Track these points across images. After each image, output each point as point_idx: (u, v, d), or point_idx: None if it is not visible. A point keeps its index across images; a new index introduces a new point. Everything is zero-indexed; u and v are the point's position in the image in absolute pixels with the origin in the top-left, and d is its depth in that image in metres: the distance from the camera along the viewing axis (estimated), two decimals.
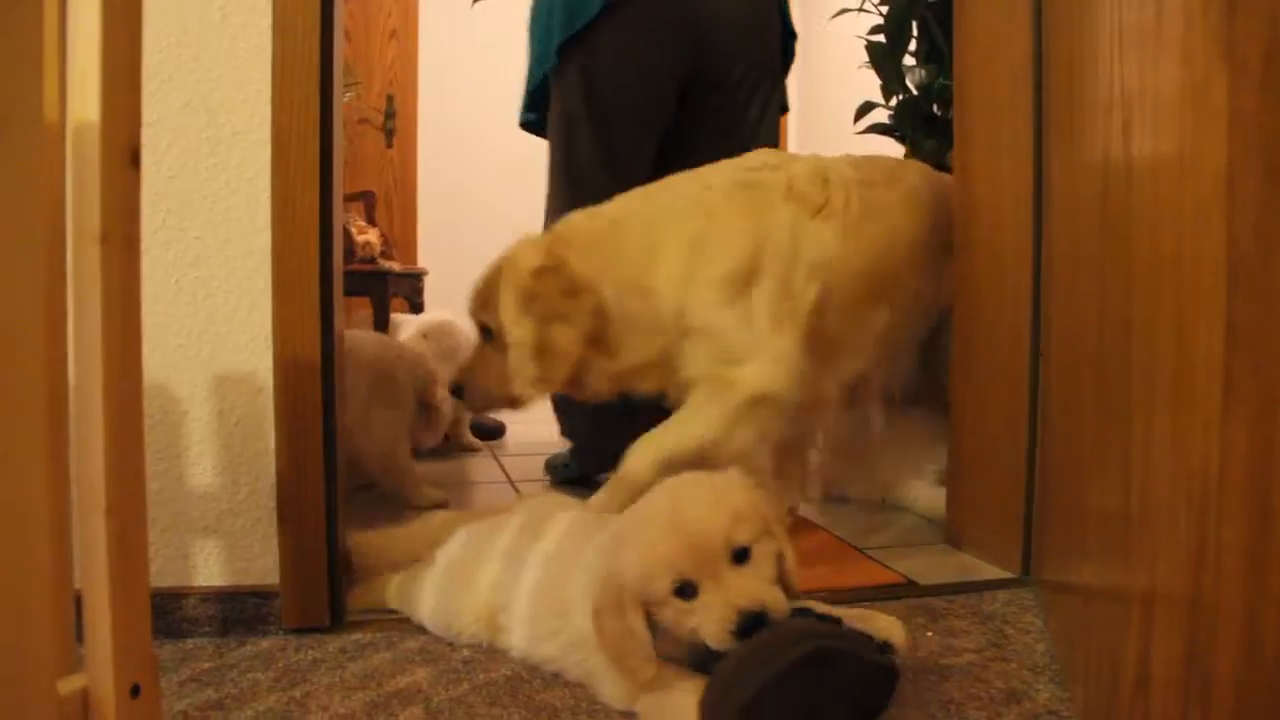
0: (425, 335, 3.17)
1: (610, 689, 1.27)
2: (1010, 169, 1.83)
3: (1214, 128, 0.66)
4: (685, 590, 1.14)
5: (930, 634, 1.54)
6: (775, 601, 1.14)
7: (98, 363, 0.73)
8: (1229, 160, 0.64)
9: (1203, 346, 0.68)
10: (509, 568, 1.44)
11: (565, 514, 1.54)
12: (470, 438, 3.27)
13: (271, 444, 1.50)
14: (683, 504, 1.21)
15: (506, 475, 2.86)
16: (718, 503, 1.18)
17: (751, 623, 1.12)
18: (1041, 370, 1.75)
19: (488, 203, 4.07)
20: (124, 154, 0.73)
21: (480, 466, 3.03)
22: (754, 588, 1.14)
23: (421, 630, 1.52)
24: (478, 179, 4.16)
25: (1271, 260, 0.64)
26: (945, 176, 2.30)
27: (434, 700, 1.29)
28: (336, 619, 1.55)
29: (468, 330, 3.09)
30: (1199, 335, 0.69)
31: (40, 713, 0.71)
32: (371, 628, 1.55)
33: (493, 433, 3.44)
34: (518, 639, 1.40)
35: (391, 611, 1.59)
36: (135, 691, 0.78)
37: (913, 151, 3.58)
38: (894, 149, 3.82)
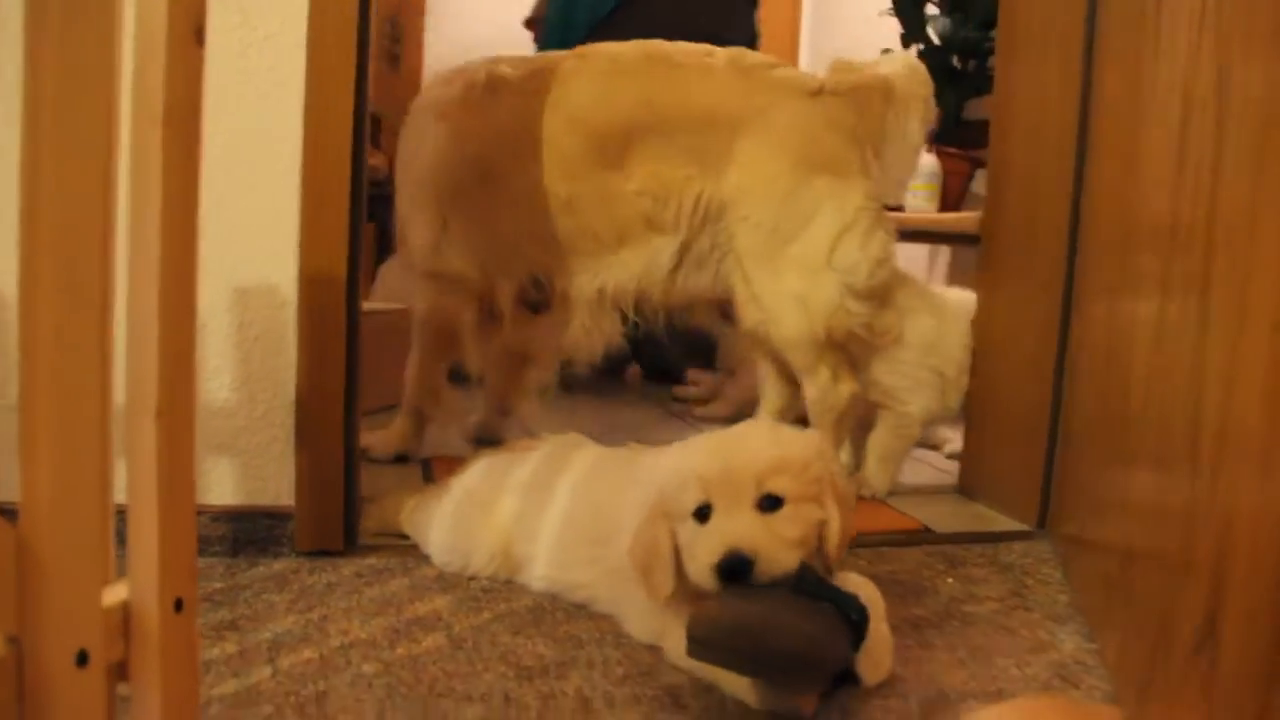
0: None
1: (636, 622, 1.25)
2: (1058, 94, 1.79)
3: None
4: (702, 512, 1.12)
5: (951, 580, 1.53)
6: (772, 555, 1.09)
7: (155, 255, 0.69)
8: None
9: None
10: (533, 499, 1.41)
11: (593, 447, 1.51)
12: None
13: (292, 360, 1.45)
14: (735, 435, 1.19)
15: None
16: (767, 445, 1.15)
17: (735, 563, 1.07)
18: (1072, 322, 1.73)
19: None
20: (189, 29, 0.68)
21: None
22: (758, 534, 1.10)
23: None
24: None
25: None
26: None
27: (456, 628, 1.26)
28: (350, 543, 1.52)
29: None
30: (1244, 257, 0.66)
31: (84, 625, 0.67)
32: (386, 553, 1.52)
33: None
34: (542, 568, 1.38)
35: (404, 536, 1.56)
36: (179, 606, 0.75)
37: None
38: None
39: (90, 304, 0.64)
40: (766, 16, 5.66)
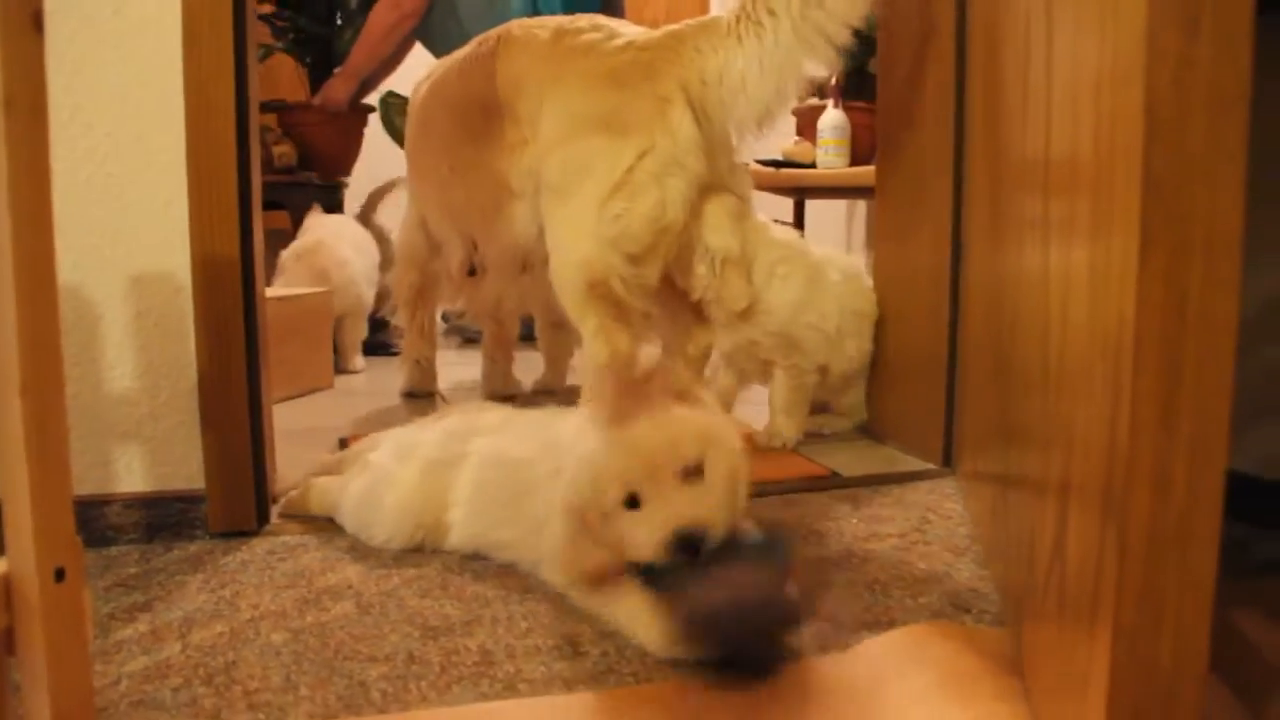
0: (298, 258, 3.12)
1: (550, 569, 1.29)
2: (933, 66, 1.84)
3: None
4: (633, 502, 1.14)
5: (855, 520, 1.58)
6: (715, 523, 1.13)
7: (7, 237, 0.71)
8: (1148, 14, 0.65)
9: (1120, 200, 0.69)
10: (444, 467, 1.44)
11: (500, 410, 1.54)
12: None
13: (192, 345, 1.46)
14: (639, 420, 1.19)
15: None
16: (671, 420, 1.18)
17: (685, 540, 1.11)
18: (961, 266, 1.78)
19: None
20: (26, 16, 0.69)
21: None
22: (694, 507, 1.13)
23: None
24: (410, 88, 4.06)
25: (1189, 116, 0.65)
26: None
27: (365, 594, 1.29)
28: (263, 522, 1.54)
29: (340, 249, 3.11)
30: (1116, 188, 0.70)
31: None
32: (299, 529, 1.54)
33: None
34: (461, 531, 1.41)
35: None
36: (59, 575, 0.77)
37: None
38: None
39: None
40: None
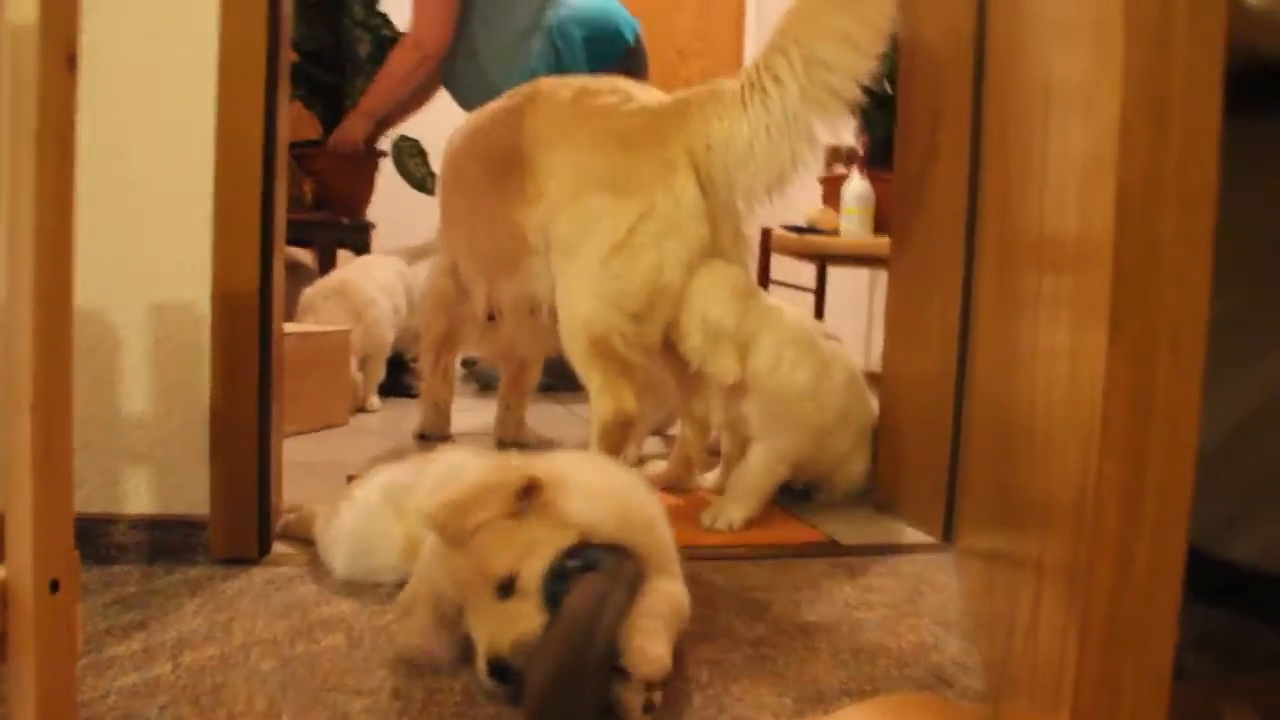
0: (326, 296, 3.15)
1: None
2: (950, 141, 1.87)
3: (1110, 77, 0.70)
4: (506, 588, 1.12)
5: (848, 588, 1.59)
6: (526, 634, 1.09)
7: (28, 261, 0.74)
8: (1122, 106, 0.68)
9: (1094, 285, 0.72)
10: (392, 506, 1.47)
11: (488, 456, 1.56)
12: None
13: (207, 374, 1.50)
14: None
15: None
16: (489, 536, 1.14)
17: (500, 669, 1.09)
18: (969, 340, 1.80)
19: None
20: (61, 56, 0.74)
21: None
22: (503, 629, 1.10)
23: None
24: (425, 132, 4.13)
25: (1158, 207, 0.67)
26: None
27: (356, 628, 1.31)
28: (264, 551, 1.57)
29: (367, 289, 3.16)
30: (1092, 273, 0.73)
31: None
32: (298, 561, 1.57)
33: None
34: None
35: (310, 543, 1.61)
36: (54, 587, 0.80)
37: (864, 127, 3.62)
38: (847, 124, 3.85)
39: None
40: (710, 31, 5.74)
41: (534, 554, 1.12)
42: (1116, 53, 0.69)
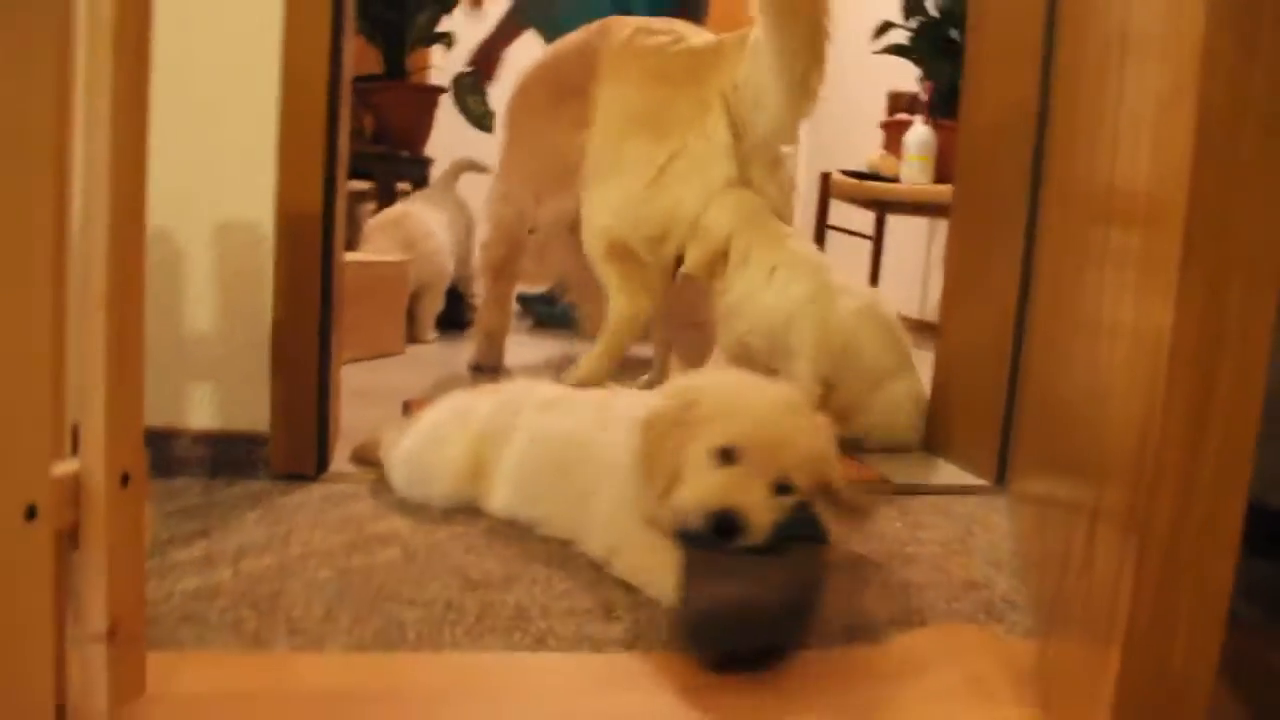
0: (381, 229, 3.18)
1: (592, 538, 1.32)
2: (1017, 92, 1.83)
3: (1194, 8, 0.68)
4: (726, 455, 1.19)
5: (899, 525, 1.59)
6: (760, 530, 1.17)
7: (104, 162, 0.76)
8: (1206, 32, 0.66)
9: (1168, 212, 0.70)
10: (494, 433, 1.48)
11: (554, 386, 1.58)
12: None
13: (269, 294, 1.53)
14: (779, 406, 1.26)
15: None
16: (805, 434, 1.25)
17: (729, 524, 1.16)
18: (1031, 284, 1.78)
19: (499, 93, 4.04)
20: None
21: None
22: (761, 509, 1.18)
23: None
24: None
25: (1240, 130, 0.66)
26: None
27: (411, 544, 1.34)
28: (322, 469, 1.60)
29: (426, 221, 3.18)
30: (1165, 203, 0.71)
31: (35, 493, 0.74)
32: (355, 480, 1.60)
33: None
34: (504, 496, 1.45)
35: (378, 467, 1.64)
36: (125, 480, 0.82)
37: (928, 74, 3.58)
38: (909, 70, 3.82)
39: (42, 207, 0.71)
40: None
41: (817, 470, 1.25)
42: None
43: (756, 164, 2.09)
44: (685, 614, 1.09)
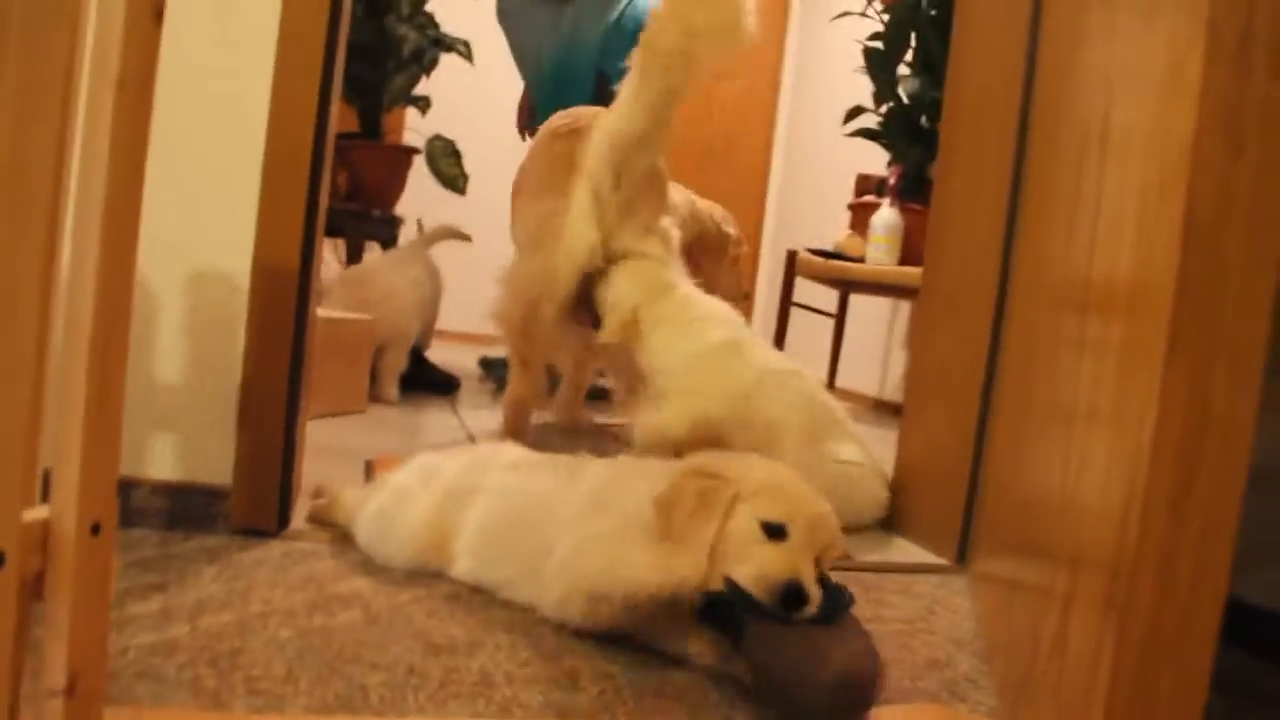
0: (345, 285, 3.18)
1: (555, 598, 1.30)
2: (990, 183, 1.87)
3: (1185, 101, 0.70)
4: (775, 531, 1.21)
5: (861, 603, 1.58)
6: (815, 598, 1.20)
7: (99, 204, 0.75)
8: (1196, 132, 0.68)
9: (1153, 303, 0.72)
10: (460, 496, 1.46)
11: (521, 450, 1.57)
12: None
13: (241, 346, 1.51)
14: (813, 488, 1.31)
15: (465, 427, 2.88)
16: (833, 513, 1.30)
17: (792, 593, 1.17)
18: (997, 370, 1.80)
19: (473, 157, 4.07)
20: (148, 7, 0.75)
21: (438, 419, 3.04)
22: (810, 577, 1.21)
23: None
24: (462, 133, 4.16)
25: (1227, 227, 0.68)
26: None
27: (373, 606, 1.31)
28: (283, 525, 1.57)
29: (391, 279, 3.19)
30: (1151, 293, 0.73)
31: (3, 540, 0.72)
32: (316, 538, 1.57)
33: (445, 385, 3.45)
34: (467, 562, 1.43)
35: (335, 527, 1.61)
36: (96, 530, 0.80)
37: (896, 158, 3.66)
38: (879, 154, 3.90)
39: (33, 248, 0.71)
40: (751, 69, 5.83)
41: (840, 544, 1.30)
42: (1193, 88, 0.69)
43: (627, 230, 2.31)
44: (805, 682, 1.10)
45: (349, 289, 3.12)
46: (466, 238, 3.57)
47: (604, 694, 1.13)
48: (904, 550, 1.99)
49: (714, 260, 3.03)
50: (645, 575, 1.20)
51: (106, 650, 0.85)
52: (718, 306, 2.28)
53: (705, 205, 3.07)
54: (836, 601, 1.23)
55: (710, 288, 2.44)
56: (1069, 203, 1.23)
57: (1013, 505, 1.42)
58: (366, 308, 3.02)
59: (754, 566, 1.19)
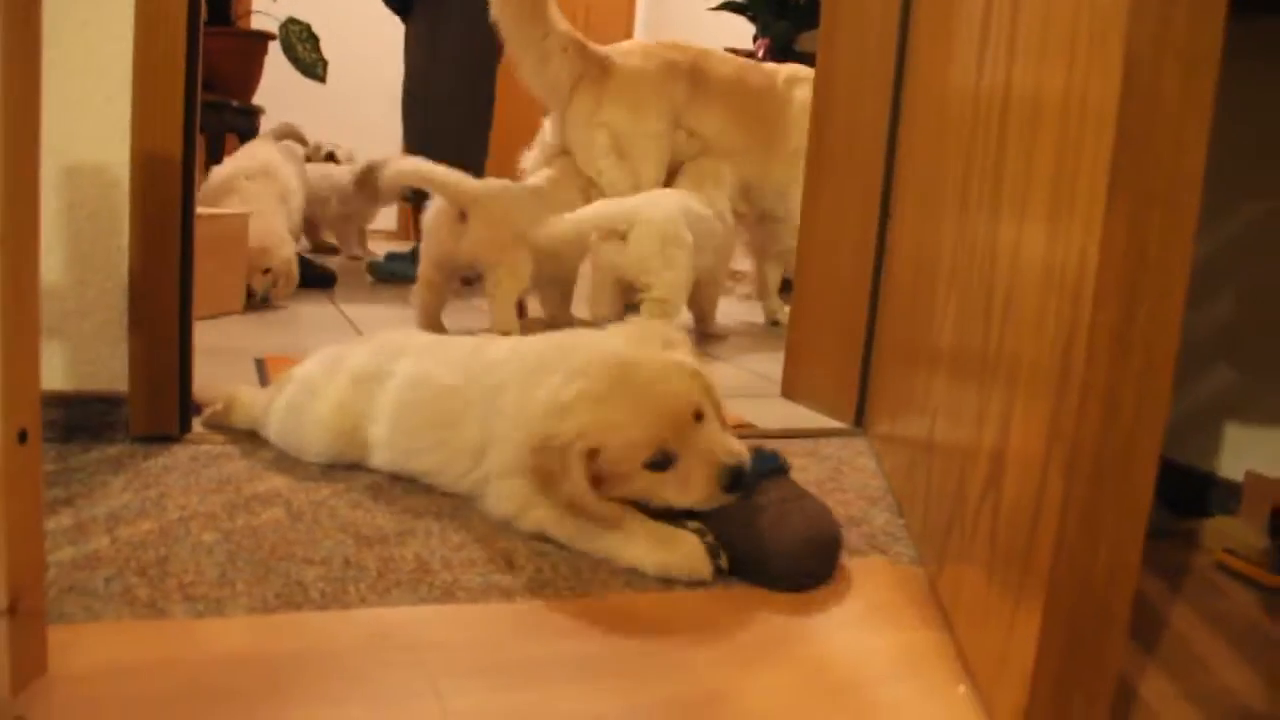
0: (248, 178, 3.01)
1: (494, 500, 1.29)
2: (875, 40, 1.88)
3: None
4: (661, 463, 1.17)
5: None
6: (742, 452, 1.20)
7: None
8: None
9: (1089, 146, 0.73)
10: (368, 386, 1.43)
11: (426, 335, 1.54)
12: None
13: (125, 242, 1.42)
14: (645, 375, 1.19)
15: (348, 320, 2.82)
16: (676, 368, 1.21)
17: (737, 478, 1.17)
18: (887, 234, 1.83)
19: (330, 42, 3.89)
20: None
21: (319, 313, 2.96)
22: (725, 443, 1.19)
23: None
24: (317, 15, 3.97)
25: (1163, 70, 0.69)
26: None
27: (294, 503, 1.29)
28: (186, 429, 1.51)
29: (293, 168, 3.04)
30: (1086, 134, 0.74)
31: None
32: (222, 439, 1.53)
33: (323, 280, 3.36)
34: (383, 452, 1.40)
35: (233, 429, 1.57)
36: (23, 437, 0.76)
37: (763, 32, 3.64)
38: (745, 28, 3.87)
39: None
40: None
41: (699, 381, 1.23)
42: None
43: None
44: (774, 552, 1.15)
45: (256, 182, 2.95)
46: (304, 141, 3.46)
47: (541, 572, 1.14)
48: (804, 416, 2.03)
49: None
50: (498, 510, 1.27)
51: (43, 558, 0.82)
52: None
53: None
54: (766, 460, 1.25)
55: None
56: (971, 26, 1.23)
57: (915, 363, 1.45)
58: (277, 202, 2.91)
59: (687, 494, 1.18)
